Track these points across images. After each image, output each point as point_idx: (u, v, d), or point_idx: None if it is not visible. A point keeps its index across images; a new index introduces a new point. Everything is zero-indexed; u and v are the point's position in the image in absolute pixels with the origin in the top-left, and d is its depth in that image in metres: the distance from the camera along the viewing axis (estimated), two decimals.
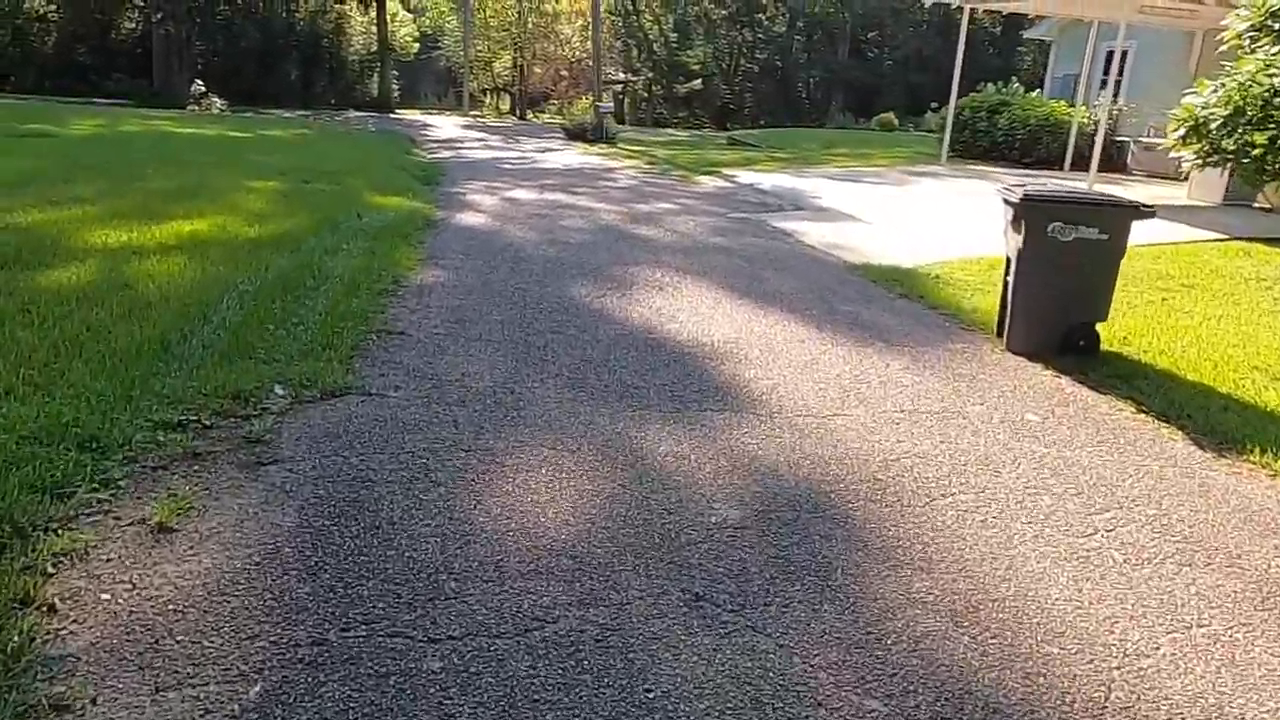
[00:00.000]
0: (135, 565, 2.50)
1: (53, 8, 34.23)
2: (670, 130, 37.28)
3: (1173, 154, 8.36)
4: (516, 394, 4.04)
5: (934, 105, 38.75)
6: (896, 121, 29.99)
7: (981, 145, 18.14)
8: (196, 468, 3.10)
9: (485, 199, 10.83)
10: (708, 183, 14.18)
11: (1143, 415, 4.39)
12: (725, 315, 5.75)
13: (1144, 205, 5.21)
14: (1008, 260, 5.58)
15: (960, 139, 18.40)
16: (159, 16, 26.09)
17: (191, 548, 2.61)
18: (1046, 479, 3.53)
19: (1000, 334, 5.62)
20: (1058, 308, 5.32)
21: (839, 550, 2.85)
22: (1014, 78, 19.69)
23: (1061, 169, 16.79)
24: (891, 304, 6.46)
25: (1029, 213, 5.20)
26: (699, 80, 47.30)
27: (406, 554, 2.65)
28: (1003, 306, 5.66)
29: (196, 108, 26.23)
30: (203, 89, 26.58)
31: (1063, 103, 18.07)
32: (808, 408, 4.13)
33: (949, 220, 10.67)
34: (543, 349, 4.75)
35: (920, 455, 3.66)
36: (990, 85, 20.18)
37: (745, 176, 14.86)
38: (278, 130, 18.17)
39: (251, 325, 4.45)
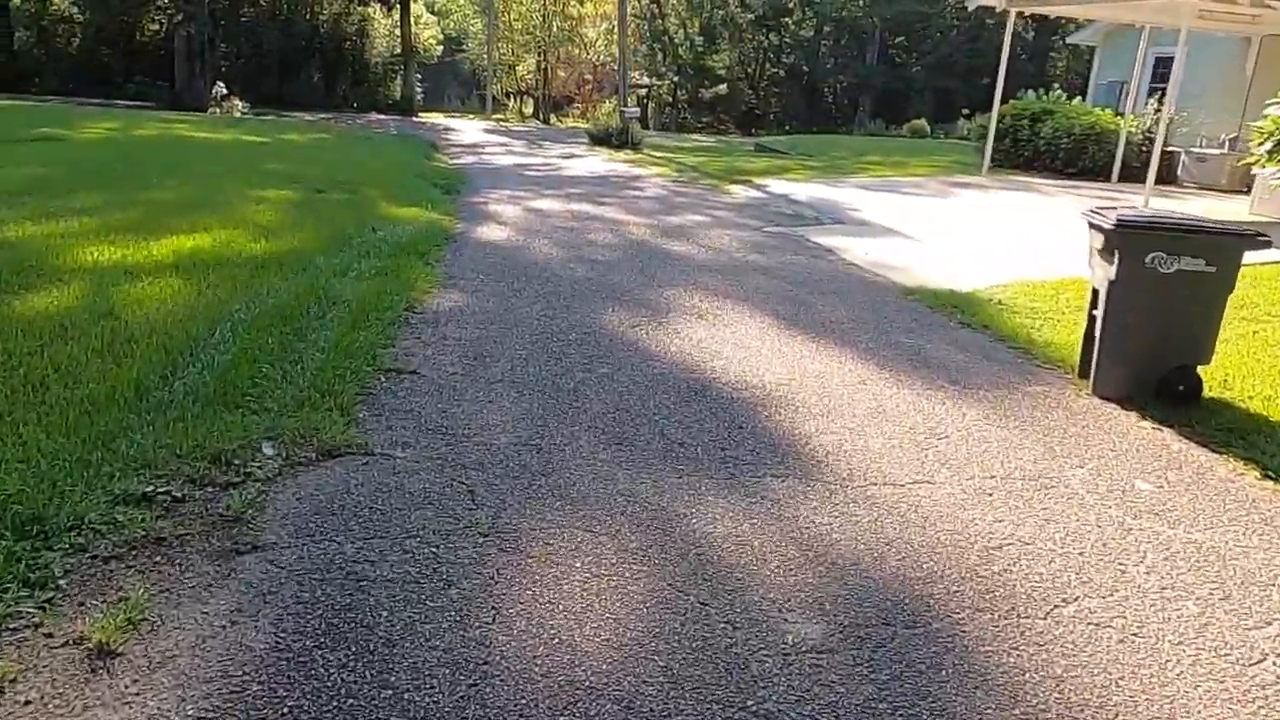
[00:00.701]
0: (58, 712, 1.95)
1: (77, 10, 34.17)
2: (695, 136, 36.72)
3: (1256, 169, 7.68)
4: (544, 453, 3.47)
5: (965, 112, 38.02)
6: (928, 128, 29.19)
7: (1023, 155, 17.43)
8: (158, 559, 2.55)
9: (508, 210, 10.30)
10: (739, 193, 13.59)
11: (1269, 482, 3.75)
12: (774, 350, 5.16)
13: (1259, 233, 4.57)
14: (1094, 292, 4.95)
15: (1000, 148, 17.70)
16: (179, 18, 25.81)
17: (135, 682, 2.06)
18: (1182, 574, 2.92)
19: (1084, 375, 4.99)
20: (1155, 348, 4.69)
21: (953, 689, 2.25)
22: (1054, 84, 18.95)
23: (1109, 180, 16.08)
24: (954, 335, 5.85)
25: (1125, 240, 4.57)
26: (724, 85, 46.72)
27: (407, 694, 2.08)
28: (1087, 343, 5.03)
29: (218, 110, 25.96)
30: (224, 91, 26.31)
31: (1108, 111, 17.33)
32: (882, 473, 3.53)
33: (999, 237, 10.02)
34: (573, 392, 4.19)
35: (1026, 542, 3.06)
36: (1030, 92, 19.48)
37: (777, 186, 14.25)
38: (295, 135, 17.76)
39: (243, 365, 3.91)
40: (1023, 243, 9.65)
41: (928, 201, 12.81)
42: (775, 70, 51.98)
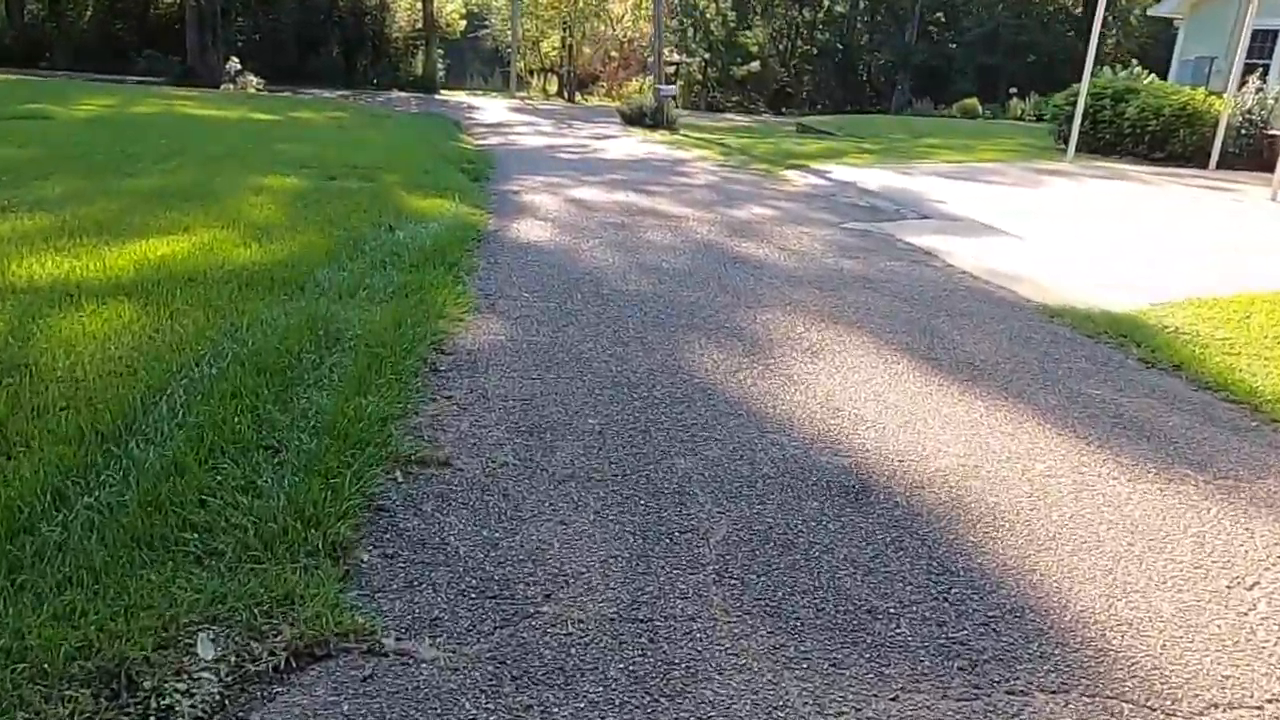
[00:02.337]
0: None
1: None
2: (728, 115, 35.17)
3: None
4: (659, 639, 2.14)
5: (1013, 90, 36.16)
6: (980, 108, 27.49)
7: (1104, 137, 15.83)
8: None
9: (546, 200, 8.94)
10: (797, 180, 12.15)
11: None
12: (930, 410, 3.80)
13: None
14: None
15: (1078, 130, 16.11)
16: None
17: None
18: None
19: None
20: None
21: None
22: (1134, 60, 17.29)
23: (1204, 166, 14.49)
24: (1146, 381, 4.45)
25: None
26: (756, 62, 44.93)
27: None
28: None
29: (231, 86, 24.67)
30: (238, 67, 25.00)
31: (1200, 90, 15.68)
32: (1212, 677, 2.17)
33: (1120, 236, 8.57)
34: (678, 498, 2.85)
35: None
36: (1107, 69, 17.82)
37: (839, 172, 12.80)
38: (310, 112, 16.43)
39: (190, 466, 2.60)
40: (1152, 244, 8.19)
41: (1017, 192, 11.32)
42: (807, 47, 50.07)
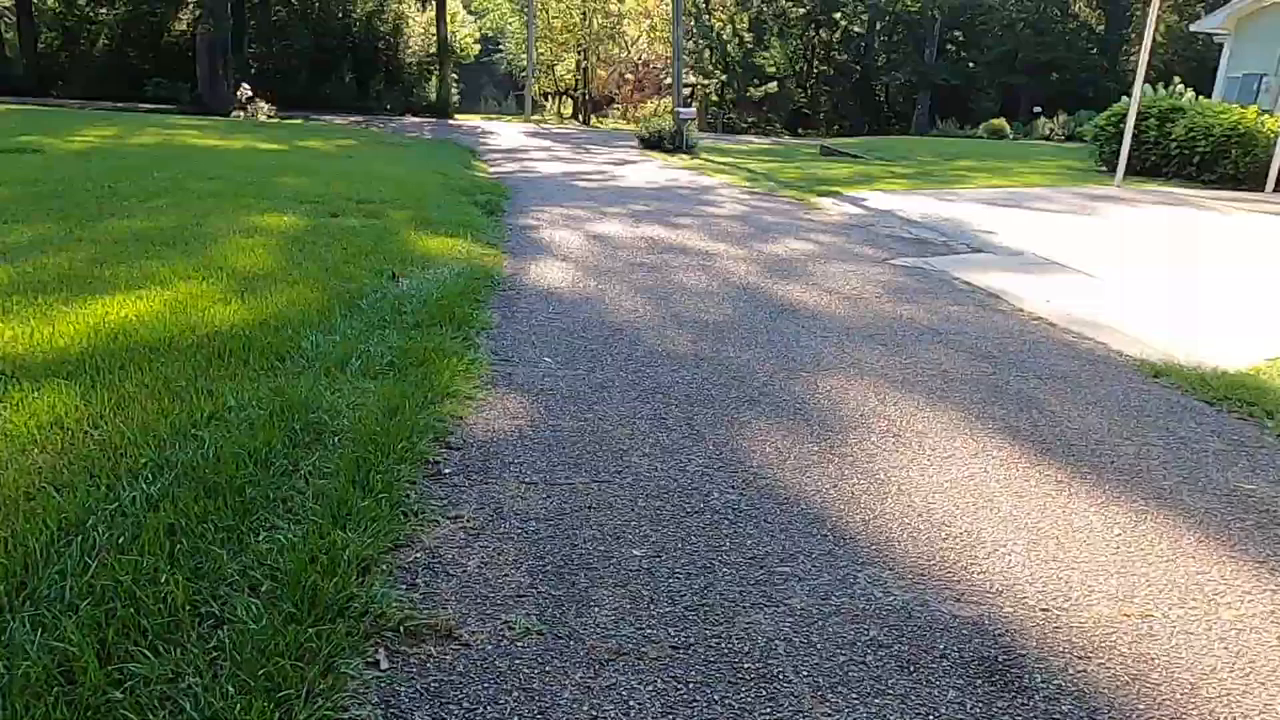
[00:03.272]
0: None
1: (104, 9, 32.76)
2: (747, 137, 34.54)
3: None
4: None
5: (1036, 109, 35.40)
6: (1008, 128, 26.71)
7: (1149, 159, 15.03)
8: None
9: (566, 237, 8.23)
10: (831, 208, 11.41)
11: None
12: (1055, 520, 3.01)
13: None
14: None
15: (1119, 151, 15.32)
16: (198, 14, 24.07)
17: None
18: None
19: None
20: None
21: None
22: (1176, 77, 16.49)
23: (1261, 189, 13.66)
24: None
25: None
26: (774, 83, 44.34)
27: None
28: None
29: (241, 114, 24.26)
30: (249, 94, 24.57)
31: (1252, 108, 14.87)
32: None
33: (1201, 271, 7.77)
34: (768, 696, 2.07)
35: None
36: (1148, 87, 17.03)
37: (875, 199, 12.06)
38: (318, 141, 15.84)
39: (85, 665, 1.85)
40: (1239, 280, 7.39)
41: (1071, 221, 10.53)
42: (824, 68, 49.54)
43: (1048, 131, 27.19)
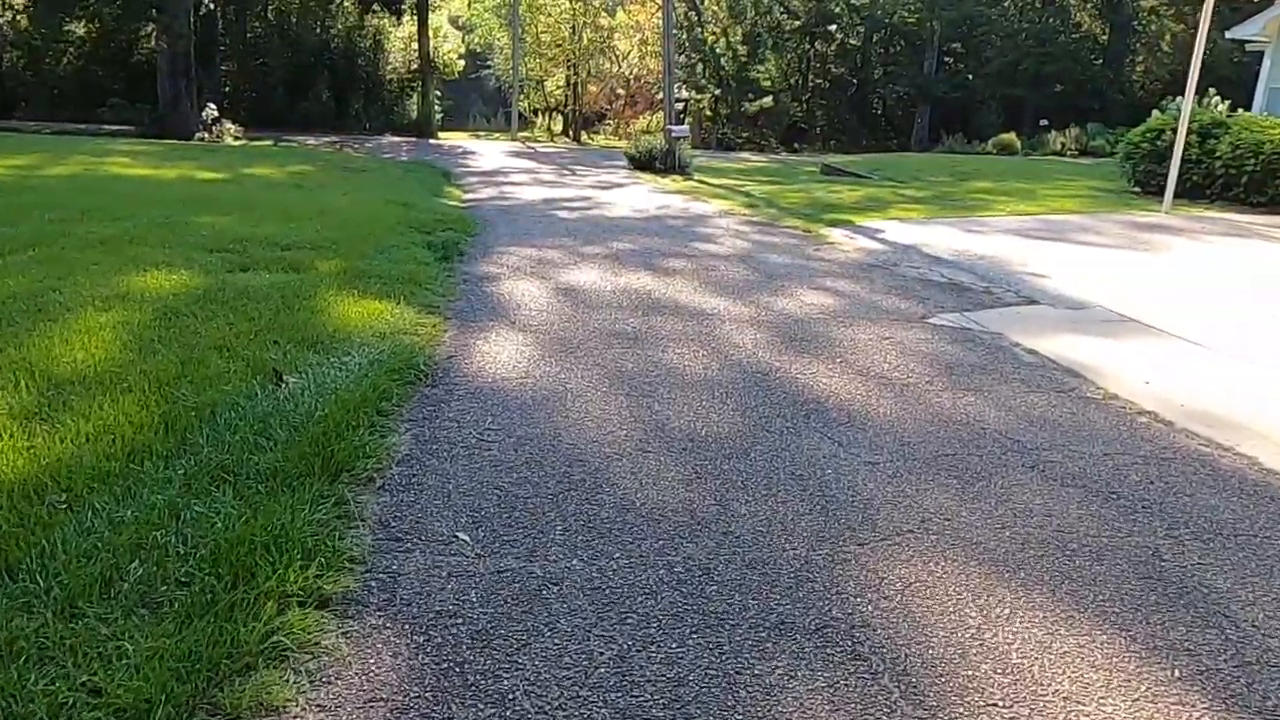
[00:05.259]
0: None
1: (71, 26, 31.27)
2: (743, 155, 33.18)
3: None
4: None
5: (1043, 122, 34.00)
6: (1018, 143, 25.31)
7: (1191, 179, 13.57)
8: None
9: (531, 291, 6.73)
10: (844, 242, 9.93)
11: None
12: None
13: None
14: None
15: (1156, 170, 13.92)
16: (152, 30, 22.50)
17: None
18: None
19: None
20: None
21: None
22: (1211, 89, 15.07)
23: None
24: None
25: None
26: (769, 98, 42.99)
27: None
28: None
29: (206, 136, 22.80)
30: (214, 114, 23.11)
31: None
32: None
33: None
34: None
35: None
36: (1178, 101, 15.60)
37: (892, 230, 10.60)
38: (269, 169, 14.31)
39: None
40: None
41: (1129, 259, 9.05)
42: (820, 81, 48.24)
43: (1059, 146, 25.81)
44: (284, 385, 4.01)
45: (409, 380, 4.34)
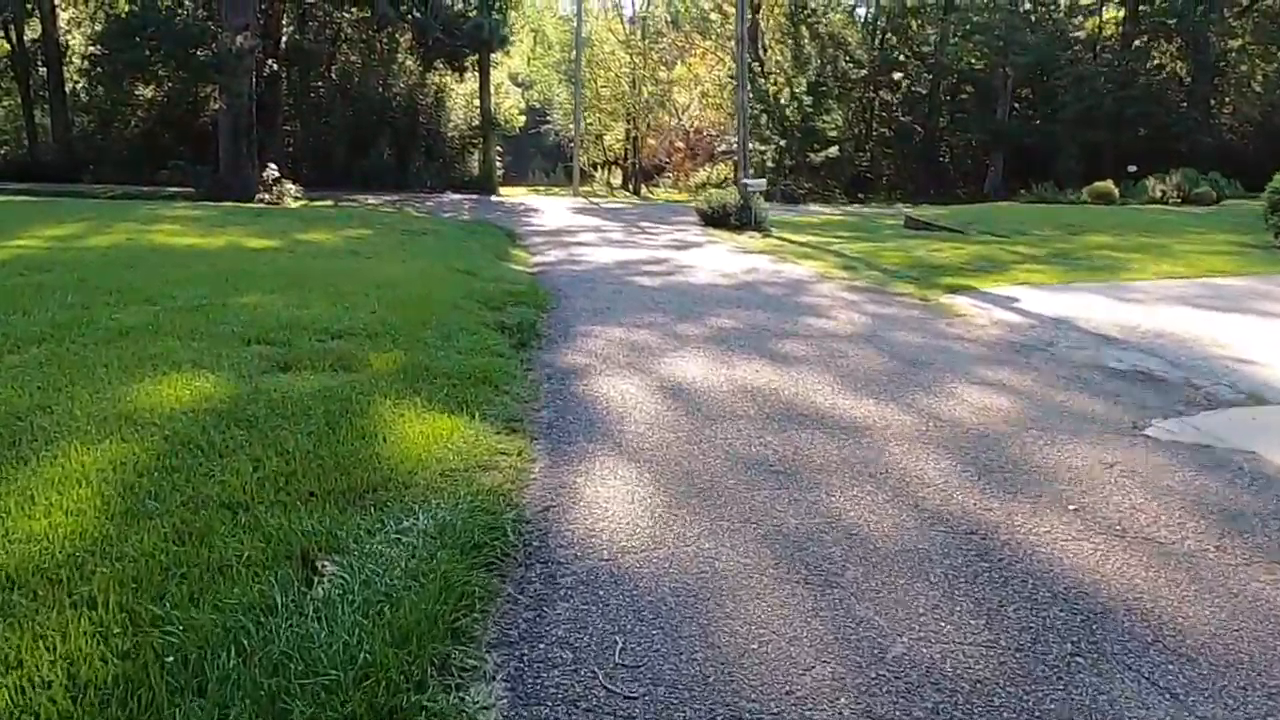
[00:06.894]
0: None
1: (141, 90, 31.55)
2: (811, 207, 31.92)
3: None
4: None
5: (1132, 168, 32.13)
6: (1116, 191, 23.60)
7: None
8: None
9: (628, 393, 5.44)
10: (976, 314, 8.50)
11: None
12: None
13: None
14: None
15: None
16: (215, 91, 22.24)
17: None
18: None
19: None
20: None
21: None
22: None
23: None
24: None
25: None
26: (834, 148, 41.77)
27: None
28: None
29: (267, 197, 22.31)
30: (275, 175, 22.64)
31: None
32: None
33: None
34: None
35: None
36: None
37: (1028, 298, 9.14)
38: (324, 234, 13.38)
39: None
40: None
41: None
42: (884, 130, 46.97)
43: (1159, 194, 24.01)
44: (318, 579, 2.76)
45: (492, 560, 3.05)
